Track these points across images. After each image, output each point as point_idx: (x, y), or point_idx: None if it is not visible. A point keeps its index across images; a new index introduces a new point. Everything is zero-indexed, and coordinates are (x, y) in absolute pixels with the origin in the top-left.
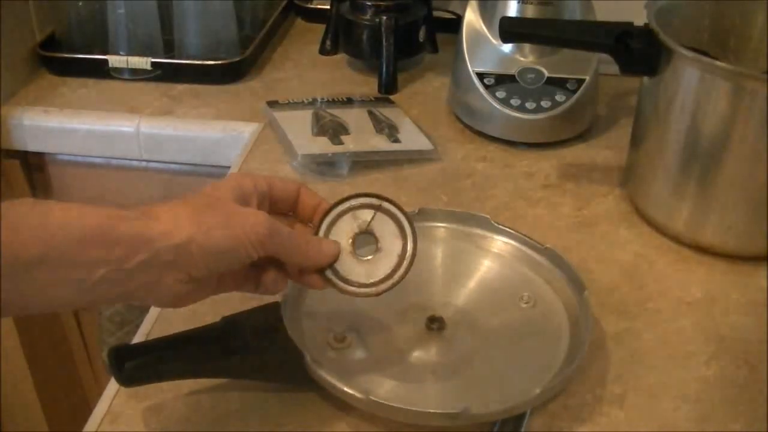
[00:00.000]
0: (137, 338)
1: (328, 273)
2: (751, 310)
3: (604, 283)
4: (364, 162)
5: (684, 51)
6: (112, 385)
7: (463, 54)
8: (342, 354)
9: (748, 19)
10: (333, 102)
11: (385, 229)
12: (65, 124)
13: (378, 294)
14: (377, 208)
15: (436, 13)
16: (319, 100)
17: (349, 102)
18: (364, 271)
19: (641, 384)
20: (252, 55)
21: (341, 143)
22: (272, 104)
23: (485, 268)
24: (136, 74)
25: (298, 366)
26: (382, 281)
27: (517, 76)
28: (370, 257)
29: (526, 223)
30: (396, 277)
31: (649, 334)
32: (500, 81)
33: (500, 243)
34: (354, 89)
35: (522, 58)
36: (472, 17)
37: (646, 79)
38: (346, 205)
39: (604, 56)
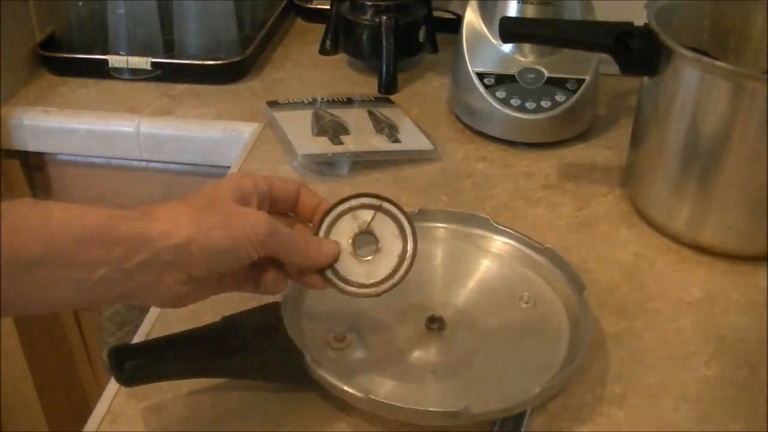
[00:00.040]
0: (137, 338)
1: (329, 273)
2: (751, 310)
3: (604, 283)
4: (364, 162)
5: (684, 51)
6: (112, 385)
7: (463, 54)
8: (342, 354)
9: (748, 19)
10: (333, 102)
11: (386, 230)
12: (65, 124)
13: (378, 294)
14: (377, 209)
15: (436, 13)
16: (319, 100)
17: (349, 102)
18: (364, 271)
19: (641, 384)
20: (252, 55)
21: (341, 143)
22: (272, 104)
23: (485, 268)
24: (136, 74)
25: (298, 366)
26: (382, 282)
27: (517, 76)
28: (370, 257)
29: (526, 223)
30: (396, 277)
31: (649, 334)
32: (500, 81)
33: (500, 243)
34: (354, 89)
35: (522, 58)
36: (472, 17)
37: (646, 79)
38: (347, 205)
39: (604, 56)
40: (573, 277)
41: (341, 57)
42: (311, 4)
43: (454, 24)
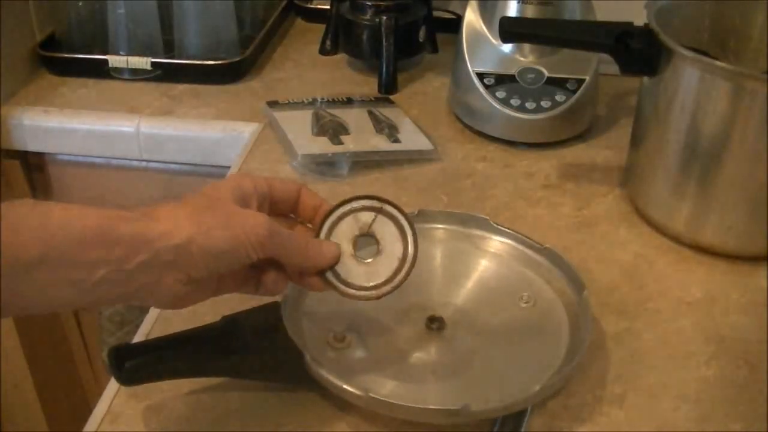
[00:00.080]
0: (137, 338)
1: (329, 275)
2: (751, 310)
3: (604, 283)
4: (364, 162)
5: (684, 51)
6: (112, 385)
7: (463, 54)
8: (342, 354)
9: (748, 19)
10: (333, 102)
11: (386, 232)
12: (65, 124)
13: (379, 297)
14: (379, 211)
15: (436, 13)
16: (319, 100)
17: (349, 102)
18: (364, 273)
19: (641, 384)
20: (252, 55)
21: (341, 143)
22: (272, 104)
23: (484, 268)
24: (136, 74)
25: (298, 366)
26: (382, 284)
27: (517, 76)
28: (370, 260)
29: (526, 223)
30: (397, 280)
31: (649, 334)
32: (500, 81)
33: (500, 243)
34: (354, 89)
35: (522, 58)
36: (472, 17)
37: (646, 79)
38: (348, 207)
39: (604, 56)
40: (573, 277)
41: (341, 57)
42: (311, 4)
43: (454, 24)
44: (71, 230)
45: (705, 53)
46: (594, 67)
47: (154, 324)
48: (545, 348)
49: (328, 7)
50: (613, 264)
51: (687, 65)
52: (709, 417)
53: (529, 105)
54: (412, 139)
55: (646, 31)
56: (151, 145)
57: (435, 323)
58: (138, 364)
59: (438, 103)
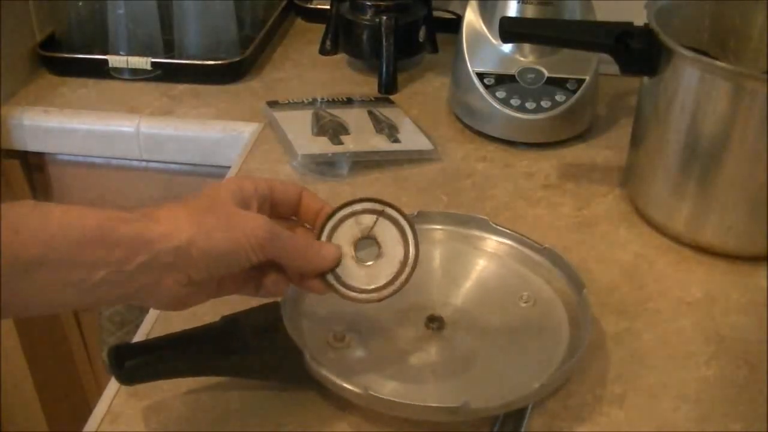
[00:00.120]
0: (137, 338)
1: (330, 278)
2: (751, 310)
3: (603, 283)
4: (364, 162)
5: (684, 51)
6: (112, 385)
7: (463, 54)
8: (342, 354)
9: (748, 19)
10: (333, 102)
11: (388, 235)
12: (65, 124)
13: (379, 300)
14: (380, 213)
15: (436, 13)
16: (319, 100)
17: (349, 102)
18: (365, 276)
19: (641, 384)
20: (252, 55)
21: (341, 143)
22: (272, 104)
23: (484, 268)
24: (136, 74)
25: (298, 365)
26: (383, 287)
27: (517, 76)
28: (371, 262)
29: (526, 223)
30: (397, 283)
31: (649, 334)
32: (500, 81)
33: (499, 244)
34: (354, 89)
35: (522, 58)
36: (472, 17)
37: (646, 79)
38: (349, 209)
39: (604, 56)
40: (572, 276)
41: (341, 57)
42: (311, 4)
43: (454, 24)
44: (71, 231)
45: (705, 53)
46: (594, 67)
47: (154, 324)
48: (545, 348)
49: (328, 7)
50: (613, 264)
51: (687, 65)
52: (709, 417)
53: (529, 105)
54: (412, 139)
55: (646, 31)
56: (151, 145)
57: (435, 323)
58: (138, 363)
59: (438, 103)
